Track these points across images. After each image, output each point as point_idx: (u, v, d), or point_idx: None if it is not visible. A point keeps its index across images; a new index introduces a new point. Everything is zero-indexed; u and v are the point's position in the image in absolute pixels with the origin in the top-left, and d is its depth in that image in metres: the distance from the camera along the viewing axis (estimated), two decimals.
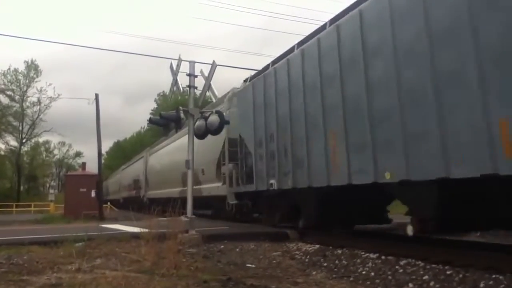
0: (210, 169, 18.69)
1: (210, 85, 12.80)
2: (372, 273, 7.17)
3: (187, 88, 12.88)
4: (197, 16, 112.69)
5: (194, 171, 18.83)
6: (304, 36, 12.00)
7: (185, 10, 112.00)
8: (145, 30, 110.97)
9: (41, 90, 61.73)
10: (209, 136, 13.44)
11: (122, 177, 49.15)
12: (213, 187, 18.17)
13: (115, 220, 21.17)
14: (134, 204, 34.76)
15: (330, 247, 9.48)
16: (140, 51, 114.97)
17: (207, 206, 20.99)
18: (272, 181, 12.56)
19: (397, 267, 7.26)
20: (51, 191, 74.22)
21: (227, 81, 24.29)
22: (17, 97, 61.10)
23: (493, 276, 6.01)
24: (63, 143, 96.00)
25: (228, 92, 17.39)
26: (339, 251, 9.03)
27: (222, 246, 10.38)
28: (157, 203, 23.75)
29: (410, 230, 8.31)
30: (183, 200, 19.83)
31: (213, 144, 17.15)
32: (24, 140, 65.79)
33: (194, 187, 18.68)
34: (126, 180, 44.37)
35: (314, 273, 7.54)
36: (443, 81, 6.93)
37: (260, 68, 15.51)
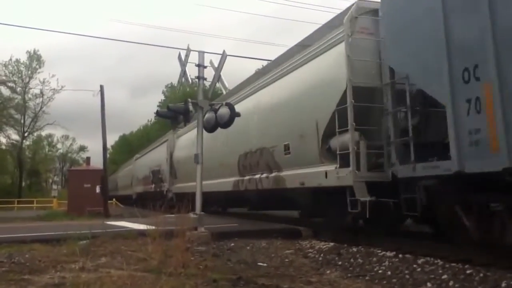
0: (307, 144, 12.04)
1: (220, 76, 12.79)
2: (389, 272, 7.19)
3: (196, 79, 12.90)
4: (206, 4, 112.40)
5: (267, 150, 14.23)
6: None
7: None
8: (152, 20, 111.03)
9: (43, 82, 62.13)
10: (303, 89, 11.19)
11: (135, 168, 42.67)
12: (315, 172, 11.47)
13: (120, 217, 21.27)
14: (153, 201, 25.77)
15: (345, 245, 9.48)
16: (147, 41, 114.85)
17: (286, 202, 14.39)
18: None
19: (414, 265, 7.26)
20: (54, 186, 74.81)
21: (238, 71, 24.27)
22: (18, 89, 61.56)
23: None
24: (66, 137, 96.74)
25: (350, 8, 10.86)
26: (354, 249, 9.04)
27: (232, 244, 10.43)
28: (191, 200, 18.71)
29: None
30: (239, 196, 17.40)
31: (312, 100, 11.93)
32: (26, 134, 66.28)
33: (269, 175, 14.06)
34: (141, 172, 38.22)
35: (328, 272, 7.56)
36: None
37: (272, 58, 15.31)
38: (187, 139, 24.58)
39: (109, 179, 59.45)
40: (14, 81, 61.10)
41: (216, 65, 12.84)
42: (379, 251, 8.55)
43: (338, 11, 12.06)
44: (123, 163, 61.91)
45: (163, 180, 29.66)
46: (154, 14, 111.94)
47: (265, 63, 16.38)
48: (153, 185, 32.22)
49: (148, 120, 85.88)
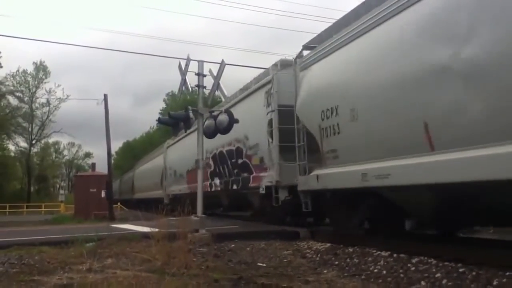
0: None
1: (219, 84, 12.76)
2: (384, 271, 7.13)
3: (196, 88, 12.89)
4: (205, 15, 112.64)
5: None
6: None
7: (193, 9, 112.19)
8: (154, 31, 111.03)
9: (50, 91, 62.59)
10: None
11: (170, 159, 29.48)
12: None
13: (125, 220, 21.22)
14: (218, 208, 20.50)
15: (341, 246, 9.43)
16: (149, 51, 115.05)
17: None
18: None
19: (409, 265, 7.21)
20: (61, 191, 74.90)
21: (236, 80, 24.08)
22: (26, 98, 61.83)
23: (507, 273, 5.95)
24: (72, 144, 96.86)
25: None
26: (350, 250, 8.99)
27: (233, 245, 10.37)
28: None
29: None
30: None
31: None
32: (33, 141, 66.58)
33: None
34: (184, 162, 24.16)
35: (325, 271, 7.51)
36: None
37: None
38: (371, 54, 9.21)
39: (121, 180, 58.39)
40: (21, 91, 61.40)
41: (215, 73, 12.81)
42: (374, 251, 8.50)
43: (332, 20, 11.92)
44: (142, 156, 49.63)
45: (251, 168, 15.40)
46: (156, 25, 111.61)
47: (262, 71, 16.20)
48: (218, 181, 18.99)
49: (150, 127, 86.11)
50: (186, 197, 20.16)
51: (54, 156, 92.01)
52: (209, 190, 19.10)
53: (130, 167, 58.47)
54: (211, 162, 19.46)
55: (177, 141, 27.01)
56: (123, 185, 57.92)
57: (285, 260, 8.61)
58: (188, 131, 20.54)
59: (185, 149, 24.16)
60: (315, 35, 12.16)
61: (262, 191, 13.94)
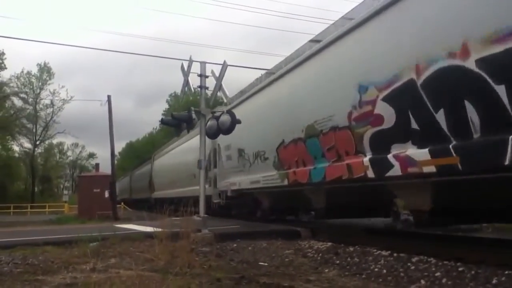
0: None
1: (221, 85, 12.77)
2: (384, 270, 7.14)
3: (198, 89, 12.90)
4: (208, 17, 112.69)
5: None
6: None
7: (197, 11, 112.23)
8: (159, 33, 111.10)
9: (54, 93, 62.78)
10: None
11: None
12: None
13: (128, 220, 21.21)
14: None
15: (342, 245, 9.42)
16: (152, 53, 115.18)
17: None
18: None
19: (409, 264, 7.21)
20: (65, 192, 74.87)
21: (238, 81, 23.99)
22: (30, 100, 61.94)
23: (506, 272, 5.96)
24: (76, 145, 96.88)
25: None
26: (351, 249, 8.98)
27: (235, 245, 10.37)
28: None
29: None
30: None
31: None
32: (38, 142, 66.82)
33: None
34: (264, 130, 13.71)
35: (326, 270, 7.51)
36: None
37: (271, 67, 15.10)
38: None
39: (132, 177, 55.07)
40: (26, 92, 61.56)
41: (217, 75, 12.82)
42: (375, 250, 8.49)
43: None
44: (168, 140, 36.76)
45: None
46: (161, 28, 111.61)
47: (264, 72, 16.04)
48: (416, 151, 7.53)
49: (153, 128, 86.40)
50: (272, 194, 14.48)
51: (58, 157, 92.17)
52: (366, 175, 9.00)
53: (133, 167, 57.40)
54: (380, 109, 8.39)
55: (251, 94, 15.26)
56: (135, 182, 48.19)
57: (286, 259, 8.61)
58: (286, 68, 12.72)
59: (272, 105, 13.32)
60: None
61: None
